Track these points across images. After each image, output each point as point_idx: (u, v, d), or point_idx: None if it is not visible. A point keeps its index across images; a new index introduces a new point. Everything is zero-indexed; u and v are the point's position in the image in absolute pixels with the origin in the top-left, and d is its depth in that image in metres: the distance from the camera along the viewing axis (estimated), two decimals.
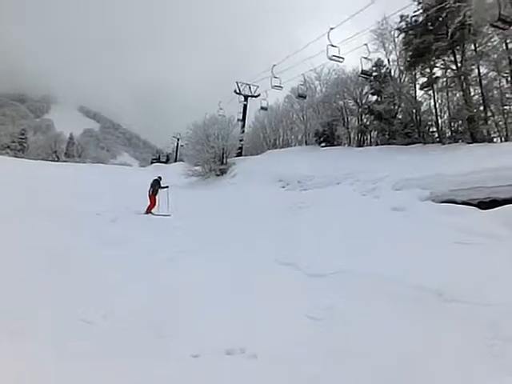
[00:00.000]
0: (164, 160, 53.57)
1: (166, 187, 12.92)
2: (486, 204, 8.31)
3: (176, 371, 3.14)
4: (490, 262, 5.72)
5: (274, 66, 23.42)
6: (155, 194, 12.54)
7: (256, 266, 6.42)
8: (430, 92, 17.72)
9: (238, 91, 29.83)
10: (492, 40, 14.75)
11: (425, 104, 18.69)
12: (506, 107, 15.67)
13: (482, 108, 15.36)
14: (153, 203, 12.31)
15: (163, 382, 2.99)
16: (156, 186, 12.78)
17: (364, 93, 21.29)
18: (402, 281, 5.30)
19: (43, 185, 16.70)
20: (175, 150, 50.41)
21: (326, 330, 3.99)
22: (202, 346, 3.54)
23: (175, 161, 45.89)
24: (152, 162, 57.16)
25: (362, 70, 18.30)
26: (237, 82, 29.79)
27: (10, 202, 10.71)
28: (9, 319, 3.72)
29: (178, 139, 46.45)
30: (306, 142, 26.55)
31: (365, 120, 21.71)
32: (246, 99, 29.79)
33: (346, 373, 3.13)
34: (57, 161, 47.22)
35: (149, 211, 11.99)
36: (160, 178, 13.30)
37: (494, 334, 3.62)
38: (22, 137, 55.23)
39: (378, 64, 19.48)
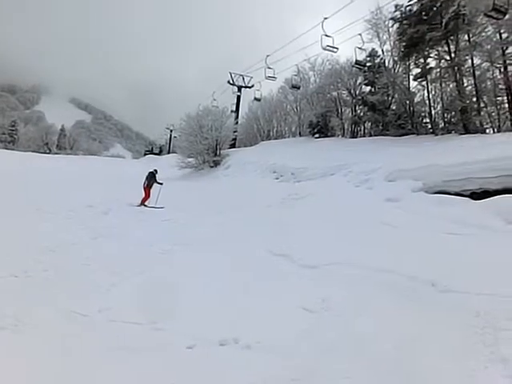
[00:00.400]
0: (157, 152, 53.22)
1: (161, 184, 12.61)
2: (478, 195, 8.37)
3: (171, 362, 3.16)
4: (482, 252, 5.76)
5: (268, 56, 23.26)
6: (150, 187, 12.42)
7: (250, 258, 6.41)
8: (424, 83, 17.75)
9: (231, 82, 29.59)
10: (486, 30, 14.75)
11: (418, 95, 18.79)
12: (498, 98, 15.76)
13: (474, 99, 15.42)
14: (147, 195, 12.24)
15: (159, 372, 3.01)
16: (152, 179, 12.61)
17: (358, 83, 21.25)
18: (395, 271, 5.31)
19: (35, 177, 16.49)
20: (168, 141, 50.08)
21: (320, 321, 4.00)
22: (196, 337, 3.55)
23: (168, 152, 45.62)
24: (145, 154, 56.73)
25: (356, 61, 18.23)
26: (230, 73, 29.54)
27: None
28: (3, 314, 3.71)
29: (171, 131, 46.10)
30: (299, 133, 26.51)
31: (358, 111, 21.71)
32: (239, 90, 29.57)
33: (342, 364, 3.15)
34: (48, 153, 46.54)
35: (143, 203, 11.93)
36: (156, 171, 13.12)
37: (485, 323, 3.66)
38: (13, 128, 54.43)
39: (372, 54, 19.42)
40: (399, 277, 5.16)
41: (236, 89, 29.66)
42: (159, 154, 50.77)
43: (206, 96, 29.65)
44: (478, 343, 3.38)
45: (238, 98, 29.66)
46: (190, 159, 23.81)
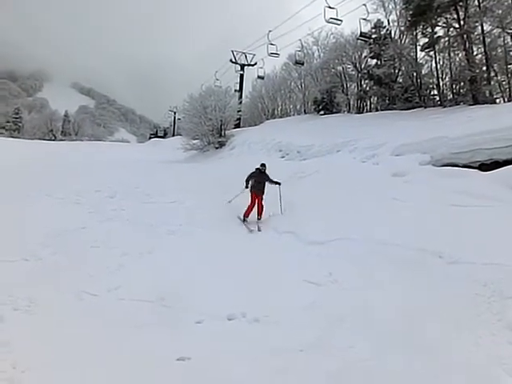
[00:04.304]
0: (162, 135, 53.01)
1: (278, 184, 8.54)
2: (487, 166, 8.20)
3: (180, 336, 3.24)
4: (491, 223, 5.70)
5: (270, 31, 22.74)
6: (261, 192, 8.36)
7: (257, 236, 6.46)
8: (432, 53, 17.15)
9: (233, 60, 28.99)
10: None
11: (426, 66, 18.19)
12: (510, 66, 15.20)
13: (484, 68, 14.90)
14: (253, 204, 8.24)
15: (168, 344, 3.08)
16: (260, 178, 8.50)
17: (363, 57, 20.67)
18: (403, 244, 5.33)
19: (44, 164, 16.58)
20: (172, 123, 49.73)
21: (327, 294, 4.06)
22: (205, 313, 3.62)
23: (173, 135, 45.30)
24: (150, 138, 56.58)
25: (361, 33, 17.70)
26: (232, 51, 28.90)
27: (8, 181, 10.67)
28: (16, 296, 3.81)
29: (175, 113, 45.69)
30: (304, 111, 26.11)
31: (364, 85, 21.22)
32: (242, 68, 29.01)
33: (348, 335, 3.19)
34: (53, 140, 46.47)
35: (246, 216, 8.05)
36: (264, 165, 8.79)
37: (492, 292, 3.67)
38: (17, 116, 53.83)
39: (378, 25, 18.74)
40: (407, 250, 5.18)
41: (239, 67, 29.07)
42: (164, 136, 50.54)
43: (208, 76, 29.24)
44: (485, 312, 3.40)
45: (241, 76, 29.13)
46: (195, 141, 23.61)
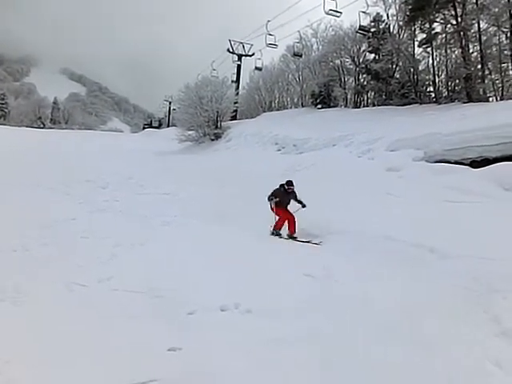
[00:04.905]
0: (156, 125, 52.43)
1: (303, 206, 6.88)
2: (477, 163, 8.40)
3: (172, 327, 3.22)
4: (480, 219, 5.88)
5: (269, 21, 22.58)
6: (284, 207, 6.99)
7: (252, 228, 6.52)
8: (429, 49, 17.28)
9: (230, 50, 28.74)
10: None
11: (423, 62, 18.32)
12: (503, 65, 15.38)
13: (479, 66, 15.07)
14: (284, 218, 6.88)
15: (160, 335, 3.07)
16: (286, 198, 6.99)
17: (362, 51, 20.71)
18: (396, 239, 5.45)
19: (33, 153, 16.47)
20: (167, 114, 49.28)
21: (323, 287, 4.10)
22: (198, 304, 3.61)
23: (168, 126, 44.89)
24: (144, 128, 55.92)
25: (360, 26, 17.69)
26: (229, 40, 28.64)
27: None
28: (2, 287, 3.78)
29: (170, 103, 45.22)
30: (302, 104, 26.09)
31: (362, 80, 21.28)
32: (239, 59, 28.81)
33: (344, 327, 3.25)
34: (42, 127, 45.11)
35: (276, 229, 6.84)
36: (291, 184, 7.04)
37: (481, 286, 3.82)
38: (3, 102, 50.92)
39: (377, 19, 18.77)
40: (400, 244, 5.30)
41: (236, 58, 28.84)
42: (158, 127, 49.94)
43: (205, 66, 28.98)
44: (474, 304, 3.53)
45: (239, 67, 28.95)
46: (191, 132, 23.49)
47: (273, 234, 6.72)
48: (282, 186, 7.04)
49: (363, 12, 17.46)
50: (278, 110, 28.16)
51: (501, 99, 15.04)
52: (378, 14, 18.79)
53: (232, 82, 26.75)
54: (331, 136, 13.99)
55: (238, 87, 27.99)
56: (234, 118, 25.47)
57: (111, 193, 9.48)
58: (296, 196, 6.98)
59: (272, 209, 6.85)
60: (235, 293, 3.85)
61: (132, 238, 5.69)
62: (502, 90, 15.54)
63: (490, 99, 15.44)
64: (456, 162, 8.79)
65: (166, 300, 3.73)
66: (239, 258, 4.89)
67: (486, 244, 4.82)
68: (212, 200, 8.87)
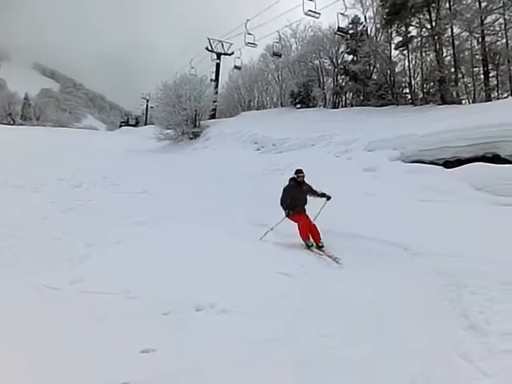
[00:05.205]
0: (133, 123, 51.50)
1: (327, 197, 6.06)
2: (451, 163, 8.63)
3: (146, 327, 3.17)
4: (453, 218, 6.04)
5: (248, 21, 22.51)
6: (301, 210, 5.95)
7: (230, 227, 6.45)
8: (405, 52, 17.70)
9: (210, 48, 28.51)
10: None
11: (399, 65, 18.73)
12: (475, 69, 15.92)
13: (453, 69, 15.55)
14: (306, 226, 5.78)
15: (133, 337, 2.99)
16: (300, 192, 5.98)
17: (340, 52, 20.95)
18: (372, 237, 5.53)
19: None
20: (145, 112, 48.41)
21: (297, 285, 4.14)
22: (172, 304, 3.56)
23: (145, 124, 44.11)
24: (120, 126, 54.75)
25: (339, 27, 17.93)
26: (209, 39, 28.35)
27: None
28: None
29: (148, 100, 44.50)
30: (281, 104, 26.21)
31: (340, 81, 21.54)
32: (218, 57, 28.58)
33: (317, 324, 3.28)
34: (12, 124, 43.49)
35: (306, 240, 5.72)
36: (301, 172, 6.05)
37: (451, 282, 3.93)
38: None
39: (355, 21, 19.08)
40: (375, 242, 5.39)
41: (215, 56, 28.59)
42: (136, 125, 49.11)
43: (184, 64, 28.65)
44: (443, 299, 3.65)
45: (218, 65, 28.72)
46: (169, 131, 23.16)
47: (307, 246, 5.58)
48: (291, 179, 5.98)
49: (341, 14, 17.72)
50: (257, 109, 28.18)
51: (473, 102, 15.58)
52: (356, 16, 19.14)
53: (211, 80, 26.54)
54: (310, 136, 14.09)
55: (217, 86, 27.76)
56: (212, 116, 25.30)
57: (85, 192, 9.21)
58: (312, 188, 5.97)
59: (287, 215, 5.77)
60: (210, 292, 3.82)
61: (106, 238, 5.54)
62: (474, 93, 16.08)
63: (463, 102, 15.95)
64: (431, 162, 9.01)
65: (139, 301, 3.65)
66: (215, 257, 4.85)
67: (457, 242, 4.96)
68: (190, 199, 8.76)
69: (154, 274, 4.27)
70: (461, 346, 2.92)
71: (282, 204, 5.85)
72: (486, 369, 2.65)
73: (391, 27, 17.19)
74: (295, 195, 5.81)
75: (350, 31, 18.78)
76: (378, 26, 18.50)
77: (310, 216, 5.90)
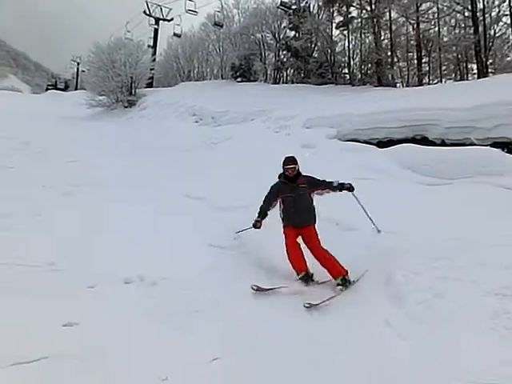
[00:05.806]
0: (62, 87, 46.84)
1: (351, 189, 4.68)
2: (383, 143, 9.01)
3: (69, 301, 2.99)
4: (385, 194, 6.30)
5: None
6: (306, 218, 4.24)
7: (166, 200, 6.20)
8: (345, 32, 18.02)
9: (147, 12, 26.53)
10: None
11: (340, 44, 19.07)
12: (409, 54, 16.73)
13: (389, 53, 16.17)
14: (296, 244, 4.04)
15: (55, 311, 2.81)
16: (294, 191, 4.17)
17: (282, 27, 20.77)
18: None
19: None
20: (75, 76, 44.21)
21: (227, 257, 4.20)
22: (99, 277, 3.40)
23: (76, 89, 40.24)
24: (47, 89, 49.45)
25: (281, 2, 17.71)
26: (146, 2, 26.40)
27: None
28: None
29: (79, 64, 40.59)
30: (221, 76, 25.46)
31: (282, 56, 21.44)
32: (157, 23, 26.80)
33: (243, 294, 3.41)
34: None
35: (297, 271, 3.86)
36: (292, 160, 4.28)
37: (383, 255, 4.09)
38: None
39: None
40: None
41: (153, 21, 26.81)
42: (65, 89, 44.65)
43: (118, 27, 26.34)
44: (374, 271, 3.80)
45: (156, 31, 26.96)
46: (102, 97, 21.43)
47: (302, 279, 3.74)
48: (280, 175, 4.27)
49: None
50: (197, 80, 27.10)
51: (406, 86, 16.44)
52: None
53: (148, 46, 24.89)
54: (250, 110, 13.88)
55: (154, 53, 26.12)
56: (149, 85, 23.86)
57: (3, 160, 8.05)
58: (315, 180, 4.29)
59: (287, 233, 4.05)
60: (140, 264, 3.70)
61: (27, 210, 4.94)
62: (408, 77, 16.96)
63: (398, 85, 16.76)
64: (365, 142, 9.32)
65: (63, 274, 3.42)
66: (146, 229, 4.71)
67: (384, 217, 5.13)
68: (122, 169, 8.21)
69: (81, 247, 4.00)
70: (392, 319, 3.11)
71: (261, 208, 4.29)
72: (404, 333, 2.90)
73: (333, 6, 17.33)
74: (286, 194, 4.03)
75: (293, 6, 18.62)
76: (321, 3, 18.53)
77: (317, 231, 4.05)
